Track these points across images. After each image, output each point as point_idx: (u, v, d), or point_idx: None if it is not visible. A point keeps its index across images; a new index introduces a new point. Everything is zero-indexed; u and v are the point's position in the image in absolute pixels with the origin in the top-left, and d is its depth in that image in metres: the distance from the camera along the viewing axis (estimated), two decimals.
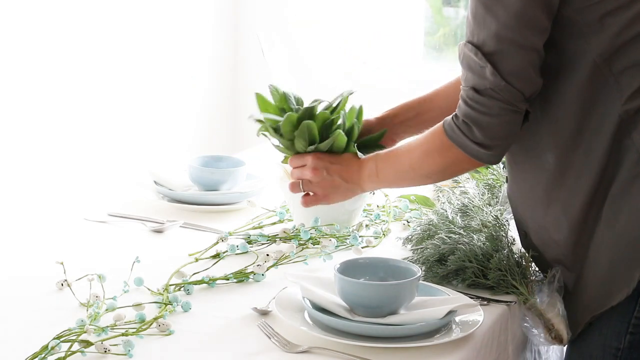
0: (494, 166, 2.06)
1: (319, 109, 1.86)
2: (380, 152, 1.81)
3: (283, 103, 1.89)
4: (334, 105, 1.88)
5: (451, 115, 1.65)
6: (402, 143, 2.01)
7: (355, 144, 1.85)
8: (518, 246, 1.73)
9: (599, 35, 1.56)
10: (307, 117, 1.83)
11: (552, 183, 1.64)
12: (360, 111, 1.90)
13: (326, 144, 1.82)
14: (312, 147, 1.83)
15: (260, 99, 1.90)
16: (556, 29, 1.58)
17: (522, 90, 1.58)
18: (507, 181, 1.76)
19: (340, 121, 1.85)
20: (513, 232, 1.75)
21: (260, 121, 1.88)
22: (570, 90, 1.60)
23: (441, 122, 1.67)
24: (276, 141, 1.88)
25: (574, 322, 1.64)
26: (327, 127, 1.84)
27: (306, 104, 1.89)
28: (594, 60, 1.57)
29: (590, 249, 1.62)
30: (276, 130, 1.86)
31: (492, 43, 1.56)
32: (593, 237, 1.61)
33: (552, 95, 1.61)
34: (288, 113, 1.84)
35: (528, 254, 1.69)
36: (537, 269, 1.71)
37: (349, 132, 1.85)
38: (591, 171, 1.60)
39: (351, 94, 1.89)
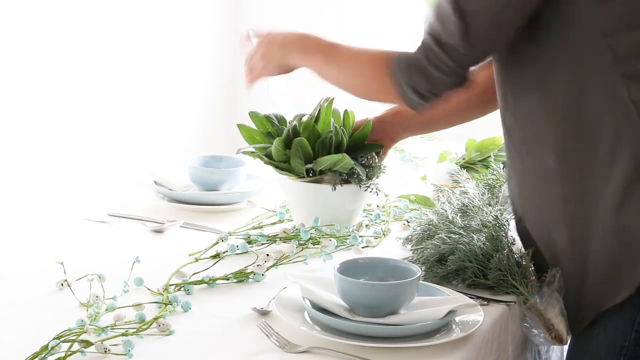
0: (494, 166, 2.06)
1: (296, 123, 1.87)
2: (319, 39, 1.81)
3: (267, 127, 1.90)
4: (315, 114, 1.89)
5: (406, 52, 1.67)
6: (402, 142, 2.02)
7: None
8: (518, 246, 1.73)
9: (599, 17, 1.55)
10: (294, 135, 1.85)
11: (549, 177, 1.64)
12: (346, 116, 1.90)
13: (326, 159, 1.83)
14: (310, 165, 1.84)
15: (243, 129, 1.91)
16: (554, 14, 1.58)
17: (473, 57, 1.60)
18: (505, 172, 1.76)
19: (332, 134, 1.86)
20: (513, 232, 1.75)
21: (249, 153, 1.90)
22: (568, 78, 1.59)
23: (395, 52, 1.69)
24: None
25: (577, 318, 1.64)
26: (322, 141, 1.86)
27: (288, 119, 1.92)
28: (595, 44, 1.56)
29: (590, 245, 1.62)
30: (268, 156, 1.87)
31: (473, 2, 1.56)
32: (592, 233, 1.61)
33: (551, 85, 1.61)
34: (276, 139, 1.84)
35: (526, 249, 1.69)
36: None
37: (339, 145, 1.87)
38: (591, 166, 1.60)
39: (332, 100, 1.89)
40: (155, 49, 3.93)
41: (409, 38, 4.05)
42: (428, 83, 1.63)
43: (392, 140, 1.97)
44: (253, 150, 1.92)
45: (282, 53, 1.82)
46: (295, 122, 1.86)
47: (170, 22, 3.99)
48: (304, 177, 1.87)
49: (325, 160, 1.83)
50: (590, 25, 1.56)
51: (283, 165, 1.87)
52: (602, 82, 1.57)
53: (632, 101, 1.55)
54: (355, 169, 1.85)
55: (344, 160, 1.83)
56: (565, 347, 1.83)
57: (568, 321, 1.63)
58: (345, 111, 1.91)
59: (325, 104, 1.89)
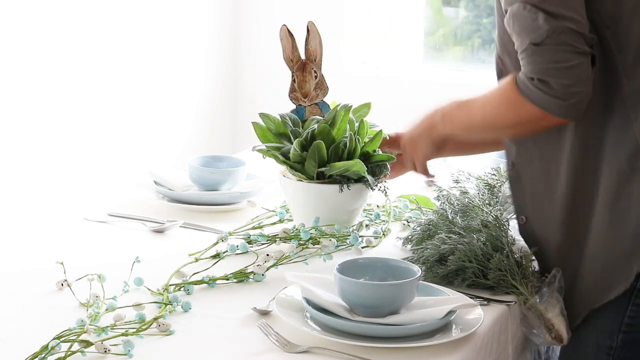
0: (494, 166, 2.06)
1: (317, 126, 1.87)
2: (446, 104, 1.80)
3: (280, 128, 1.91)
4: (330, 119, 1.89)
5: (522, 74, 1.61)
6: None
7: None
8: (518, 246, 1.73)
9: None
10: (311, 139, 1.86)
11: (549, 174, 1.65)
12: (361, 125, 1.91)
13: (341, 164, 1.84)
14: (322, 169, 1.85)
15: (258, 127, 1.91)
16: None
17: (579, 30, 1.56)
18: (512, 167, 1.75)
19: (346, 141, 1.87)
20: (513, 232, 1.75)
21: (264, 151, 1.90)
22: None
23: (511, 79, 1.63)
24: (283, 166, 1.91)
25: (571, 315, 1.65)
26: (336, 147, 1.86)
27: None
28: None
29: (587, 242, 1.62)
30: (284, 156, 1.87)
31: None
32: (589, 232, 1.62)
33: None
34: (296, 140, 1.85)
35: (529, 246, 1.69)
36: (536, 268, 1.71)
37: (352, 152, 1.88)
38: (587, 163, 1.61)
39: (349, 107, 1.89)
40: (155, 49, 3.93)
41: (408, 38, 4.05)
42: (558, 81, 1.57)
43: (403, 167, 1.99)
44: (266, 147, 1.91)
45: (430, 136, 1.82)
46: (314, 126, 1.87)
47: (170, 23, 3.99)
48: (313, 179, 1.88)
49: (340, 166, 1.84)
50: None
51: (297, 166, 1.87)
52: (598, 80, 1.58)
53: (630, 92, 1.57)
54: (365, 176, 1.86)
55: (357, 167, 1.84)
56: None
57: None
58: (361, 120, 1.92)
59: (343, 111, 1.89)
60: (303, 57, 1.96)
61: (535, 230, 1.71)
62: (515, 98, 1.62)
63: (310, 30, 1.95)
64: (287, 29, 1.96)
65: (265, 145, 1.91)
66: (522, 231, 1.74)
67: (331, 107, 1.95)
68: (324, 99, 1.98)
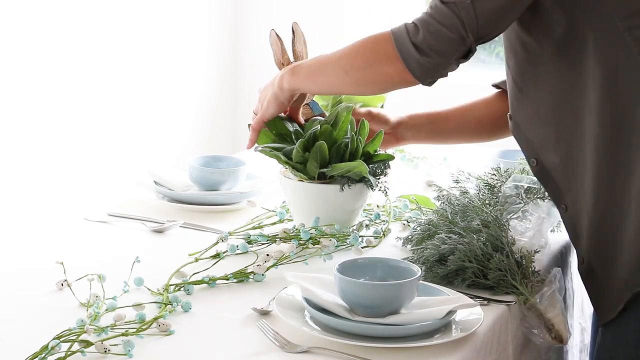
0: (494, 166, 2.06)
1: (319, 127, 1.87)
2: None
3: (281, 129, 1.91)
4: (332, 121, 1.89)
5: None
6: (404, 147, 2.02)
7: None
8: (518, 246, 1.73)
9: (611, 3, 1.56)
10: (314, 139, 1.86)
11: (583, 163, 1.65)
12: (361, 125, 1.91)
13: (344, 165, 1.84)
14: (324, 169, 1.86)
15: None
16: (563, 6, 1.59)
17: (479, 24, 1.59)
18: (535, 164, 1.75)
19: (348, 142, 1.87)
20: (513, 232, 1.75)
21: (266, 152, 1.90)
22: (594, 70, 1.59)
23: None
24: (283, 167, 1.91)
25: (614, 299, 1.64)
26: (337, 148, 1.87)
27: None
28: (616, 26, 1.56)
29: (624, 227, 1.62)
30: (286, 155, 1.87)
31: None
32: (626, 214, 1.61)
33: (581, 78, 1.61)
34: (299, 141, 1.85)
35: (568, 228, 1.69)
36: (536, 269, 1.71)
37: (353, 153, 1.88)
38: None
39: (350, 110, 1.89)
40: (155, 49, 3.93)
41: None
42: (430, 36, 1.61)
43: (397, 140, 1.99)
44: (268, 148, 1.91)
45: (275, 86, 1.85)
46: (317, 127, 1.87)
47: (170, 22, 3.99)
48: (314, 179, 1.88)
49: (343, 166, 1.84)
50: (603, 12, 1.56)
51: (299, 166, 1.88)
52: (628, 66, 1.58)
53: None
54: (367, 177, 1.86)
55: (359, 168, 1.84)
56: (565, 347, 1.83)
57: (600, 309, 1.63)
58: (362, 120, 1.92)
59: (345, 112, 1.89)
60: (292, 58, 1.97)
61: (575, 217, 1.70)
62: (382, 34, 1.67)
63: (295, 31, 1.95)
64: (276, 34, 1.95)
65: (267, 146, 1.91)
66: (565, 219, 1.73)
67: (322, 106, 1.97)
68: (313, 99, 1.98)
